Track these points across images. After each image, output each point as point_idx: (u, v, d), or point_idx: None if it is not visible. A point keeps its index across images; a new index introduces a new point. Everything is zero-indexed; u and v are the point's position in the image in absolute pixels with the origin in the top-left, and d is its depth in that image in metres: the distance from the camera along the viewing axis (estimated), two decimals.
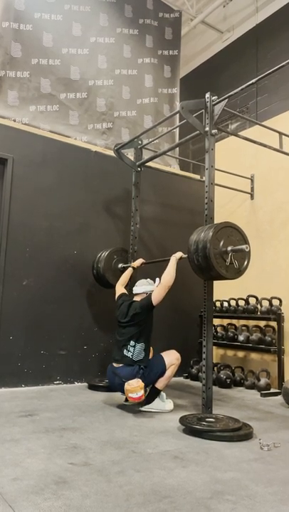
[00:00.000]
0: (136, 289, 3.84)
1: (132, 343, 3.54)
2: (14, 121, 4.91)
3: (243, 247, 3.25)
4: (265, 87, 6.66)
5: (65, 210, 4.89)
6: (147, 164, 4.83)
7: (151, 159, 4.69)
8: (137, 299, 3.79)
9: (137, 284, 3.90)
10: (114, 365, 3.59)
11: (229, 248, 3.28)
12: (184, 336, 5.61)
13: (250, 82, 3.59)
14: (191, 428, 2.84)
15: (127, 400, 3.68)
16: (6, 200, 4.53)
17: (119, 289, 4.10)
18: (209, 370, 3.34)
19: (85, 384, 4.61)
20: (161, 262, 4.05)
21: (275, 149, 4.45)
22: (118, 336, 3.69)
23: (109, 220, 5.24)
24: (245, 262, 3.40)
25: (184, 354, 5.46)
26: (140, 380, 3.34)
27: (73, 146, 5.14)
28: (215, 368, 5.03)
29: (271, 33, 6.79)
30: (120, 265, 4.66)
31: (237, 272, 3.37)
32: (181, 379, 5.39)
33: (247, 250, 3.27)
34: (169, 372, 3.56)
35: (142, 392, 3.30)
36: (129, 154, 4.95)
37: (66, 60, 5.48)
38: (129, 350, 3.53)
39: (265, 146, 4.35)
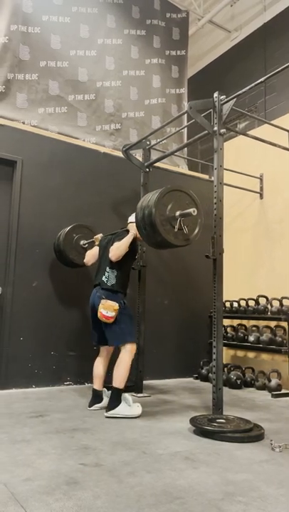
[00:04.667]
0: (130, 218, 3.87)
1: (107, 269, 3.59)
2: (23, 123, 4.94)
3: (191, 210, 3.12)
4: (274, 85, 6.61)
5: (74, 211, 4.90)
6: (156, 165, 4.82)
7: (159, 160, 4.69)
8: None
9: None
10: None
11: (177, 213, 3.17)
12: (193, 336, 5.60)
13: (259, 81, 3.57)
14: (201, 429, 2.83)
15: (90, 405, 3.57)
16: (16, 201, 4.57)
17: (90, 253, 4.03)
18: (219, 370, 3.31)
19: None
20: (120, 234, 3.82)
21: (284, 148, 4.42)
22: (99, 265, 3.75)
23: (117, 220, 5.22)
24: (196, 230, 3.27)
25: (193, 355, 5.51)
26: (117, 304, 3.40)
27: (82, 148, 5.16)
28: (225, 369, 5.00)
29: (279, 31, 6.74)
30: (82, 242, 4.54)
31: (185, 239, 3.24)
32: (190, 380, 5.37)
33: (194, 214, 3.13)
34: (119, 367, 3.37)
35: (114, 314, 3.37)
36: (138, 155, 4.95)
37: (74, 62, 5.50)
38: (105, 275, 3.58)
39: (274, 145, 4.32)
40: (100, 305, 3.40)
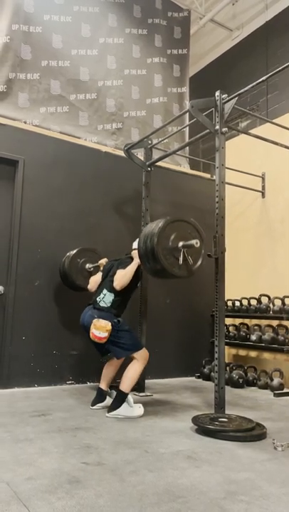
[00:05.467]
0: (134, 244, 3.74)
1: (104, 291, 3.54)
2: (25, 123, 4.95)
3: (193, 242, 3.06)
4: (276, 84, 6.60)
5: (76, 211, 4.91)
6: (157, 164, 4.82)
7: (161, 159, 4.69)
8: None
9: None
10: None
11: (180, 244, 3.12)
12: (195, 335, 5.59)
13: (260, 79, 3.56)
14: (203, 428, 2.83)
15: (93, 404, 3.56)
16: (18, 201, 4.57)
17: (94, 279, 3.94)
18: (222, 369, 3.31)
19: (97, 384, 4.61)
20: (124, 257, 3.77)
21: (286, 147, 4.41)
22: (98, 287, 3.70)
23: (119, 220, 5.24)
24: (200, 261, 3.20)
25: (195, 354, 5.51)
26: (110, 324, 3.31)
27: (83, 147, 5.16)
28: (227, 368, 5.00)
29: (281, 29, 6.73)
30: (88, 265, 4.48)
31: (189, 270, 3.17)
32: (193, 379, 5.37)
33: (197, 246, 3.06)
34: (130, 372, 3.36)
35: (107, 335, 3.27)
36: (139, 154, 4.95)
37: (75, 62, 5.50)
38: (99, 296, 3.53)
39: (276, 143, 4.31)
40: (92, 325, 3.32)
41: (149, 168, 4.74)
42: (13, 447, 2.47)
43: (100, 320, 3.33)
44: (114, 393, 3.48)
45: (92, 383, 4.69)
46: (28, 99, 5.08)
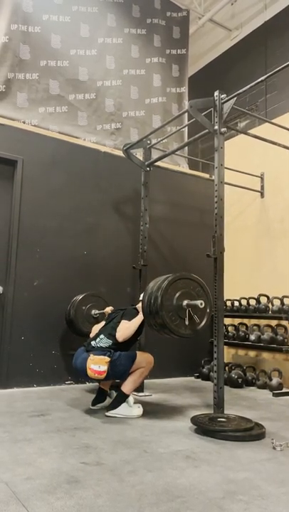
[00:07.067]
0: (142, 296, 3.65)
1: (101, 336, 3.44)
2: (24, 123, 4.94)
3: (198, 302, 3.01)
4: (275, 84, 6.61)
5: (75, 211, 4.91)
6: (156, 164, 4.82)
7: (160, 159, 4.69)
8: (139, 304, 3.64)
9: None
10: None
11: (185, 303, 3.06)
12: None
13: (259, 79, 3.56)
14: (202, 428, 2.83)
15: (93, 404, 3.53)
16: (17, 201, 4.57)
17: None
18: (221, 369, 3.32)
19: (96, 384, 4.61)
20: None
21: (284, 147, 4.42)
22: (98, 332, 3.61)
23: (118, 220, 5.25)
24: (205, 319, 3.13)
25: (194, 354, 5.51)
26: (106, 357, 3.18)
27: (82, 147, 5.16)
28: (226, 368, 5.00)
29: (280, 29, 6.73)
30: (94, 312, 4.45)
31: (194, 329, 3.11)
32: (192, 379, 5.38)
33: (202, 307, 3.01)
34: (135, 376, 3.33)
35: (106, 368, 3.12)
36: (138, 154, 4.96)
37: (74, 61, 5.50)
38: (95, 340, 3.43)
39: (275, 143, 4.32)
40: (89, 361, 3.16)
41: (148, 168, 4.75)
42: (12, 447, 2.47)
43: (94, 355, 3.20)
44: (115, 394, 3.47)
45: (91, 383, 4.69)
46: (27, 99, 5.08)
